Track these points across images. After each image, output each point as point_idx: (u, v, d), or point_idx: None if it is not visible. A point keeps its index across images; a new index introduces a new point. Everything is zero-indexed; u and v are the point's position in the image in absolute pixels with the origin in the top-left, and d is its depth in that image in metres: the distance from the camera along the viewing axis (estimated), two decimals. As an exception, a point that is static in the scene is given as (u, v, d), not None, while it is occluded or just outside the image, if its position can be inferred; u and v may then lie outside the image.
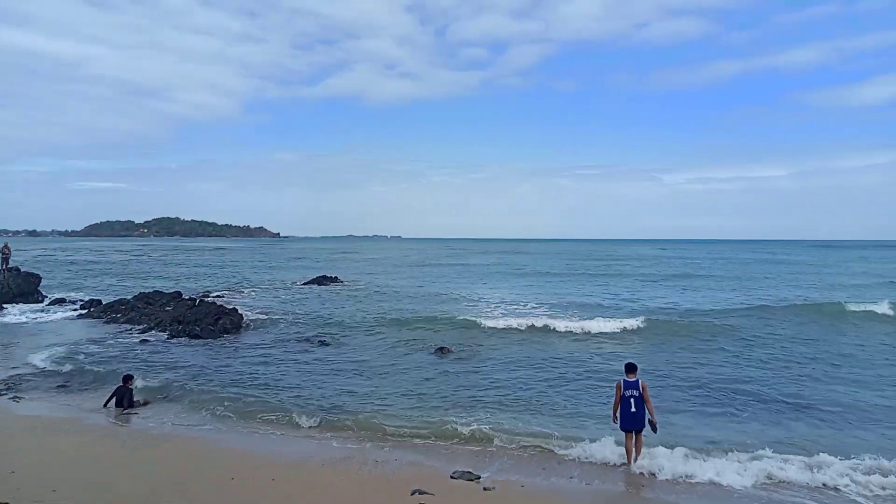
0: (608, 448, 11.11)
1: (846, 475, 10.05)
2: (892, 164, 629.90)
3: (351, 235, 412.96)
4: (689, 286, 44.19)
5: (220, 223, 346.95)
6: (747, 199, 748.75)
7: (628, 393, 10.74)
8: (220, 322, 24.18)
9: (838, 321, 26.36)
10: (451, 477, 10.07)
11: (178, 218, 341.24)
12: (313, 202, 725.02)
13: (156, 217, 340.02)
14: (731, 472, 10.22)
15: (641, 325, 24.20)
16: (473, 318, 25.65)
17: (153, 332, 23.71)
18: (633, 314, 26.92)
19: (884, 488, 9.72)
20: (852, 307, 28.78)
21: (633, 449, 10.68)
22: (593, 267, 68.53)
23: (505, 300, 34.40)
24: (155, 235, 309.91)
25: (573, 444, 11.37)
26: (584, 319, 25.32)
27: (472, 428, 12.31)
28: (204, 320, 24.14)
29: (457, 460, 10.85)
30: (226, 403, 13.95)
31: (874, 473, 10.09)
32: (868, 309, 28.18)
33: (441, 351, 20.28)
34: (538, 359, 19.04)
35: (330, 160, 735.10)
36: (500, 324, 24.80)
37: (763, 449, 11.09)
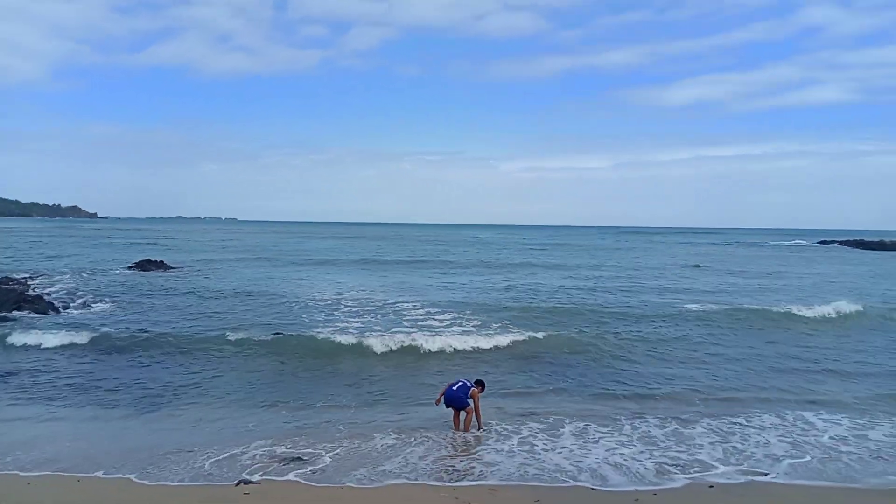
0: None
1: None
2: (695, 160, 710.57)
3: (181, 217, 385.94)
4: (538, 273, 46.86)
5: (24, 201, 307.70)
6: (574, 188, 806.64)
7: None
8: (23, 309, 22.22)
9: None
10: (280, 463, 10.16)
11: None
12: (137, 180, 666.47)
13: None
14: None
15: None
16: (340, 340, 18.92)
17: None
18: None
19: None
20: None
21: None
22: (444, 254, 67.68)
23: (368, 299, 28.19)
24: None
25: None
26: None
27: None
28: (1, 308, 22.03)
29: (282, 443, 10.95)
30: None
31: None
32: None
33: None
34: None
35: (156, 135, 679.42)
36: (382, 345, 18.28)
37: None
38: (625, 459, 10.56)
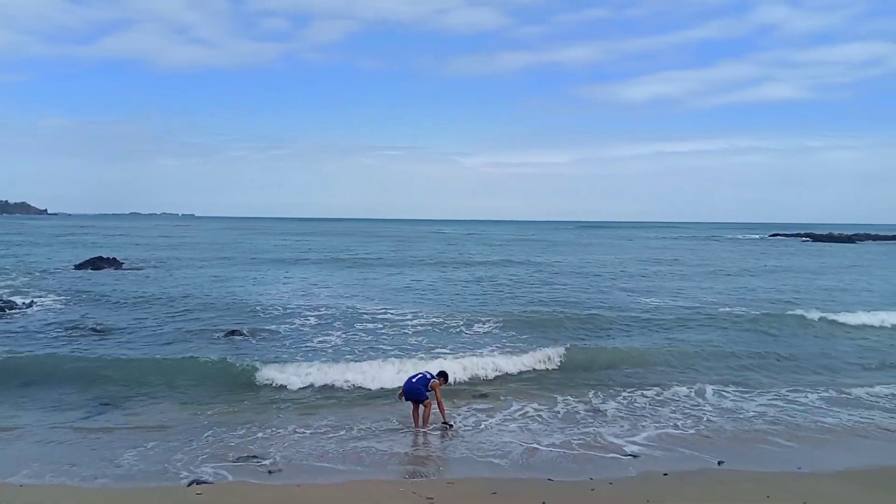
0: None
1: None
2: (654, 155, 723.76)
3: (136, 213, 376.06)
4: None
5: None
6: (536, 184, 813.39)
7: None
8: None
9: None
10: (234, 462, 9.95)
11: None
12: (90, 175, 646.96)
13: None
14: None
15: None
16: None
17: None
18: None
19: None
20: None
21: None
22: (423, 253, 65.15)
23: (323, 305, 24.93)
24: None
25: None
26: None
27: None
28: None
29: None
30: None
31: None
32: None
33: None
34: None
35: (111, 128, 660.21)
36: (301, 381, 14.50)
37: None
38: (584, 450, 10.66)
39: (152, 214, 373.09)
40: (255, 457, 10.12)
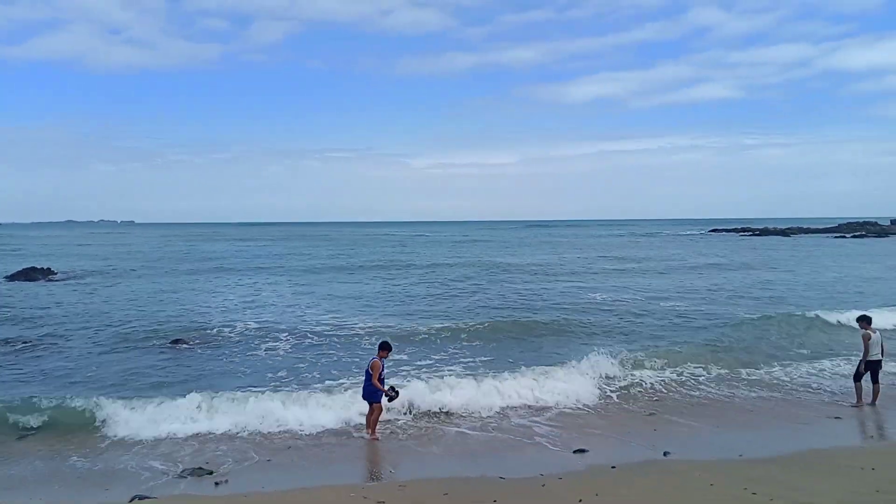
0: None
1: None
2: (597, 154, 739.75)
3: (72, 221, 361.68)
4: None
5: None
6: (483, 184, 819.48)
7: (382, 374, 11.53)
8: None
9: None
10: (179, 476, 9.66)
11: None
12: (21, 182, 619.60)
13: None
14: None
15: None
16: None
17: None
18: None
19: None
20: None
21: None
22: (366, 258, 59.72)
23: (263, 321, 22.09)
24: None
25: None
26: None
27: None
28: None
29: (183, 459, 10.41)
30: None
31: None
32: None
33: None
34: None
35: (42, 133, 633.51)
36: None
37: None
38: (533, 446, 10.78)
39: (89, 222, 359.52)
40: (201, 468, 9.84)
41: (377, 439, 11.33)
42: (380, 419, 11.59)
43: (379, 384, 11.33)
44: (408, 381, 13.90)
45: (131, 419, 11.72)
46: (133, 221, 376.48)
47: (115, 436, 11.37)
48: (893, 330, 20.11)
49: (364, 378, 11.58)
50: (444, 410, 12.81)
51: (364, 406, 11.64)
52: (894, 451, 10.59)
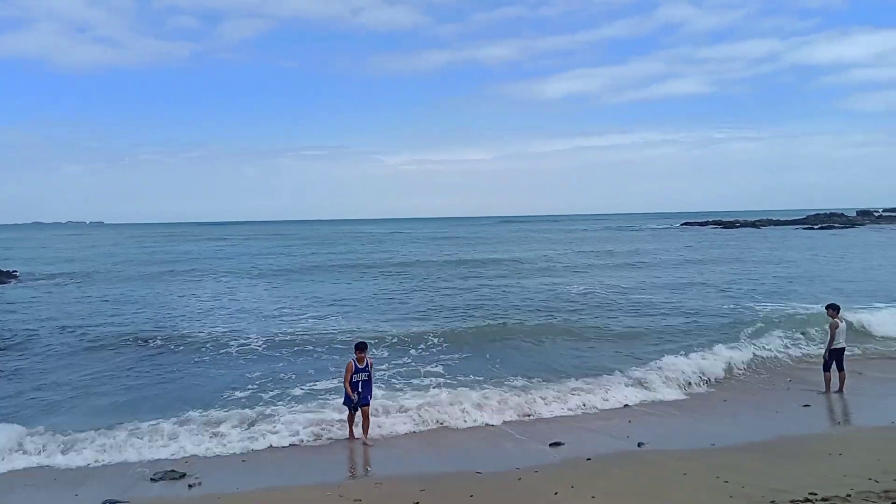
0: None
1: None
2: (572, 150, 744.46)
3: (39, 223, 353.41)
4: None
5: None
6: (459, 181, 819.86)
7: (356, 377, 11.02)
8: None
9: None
10: (152, 479, 9.50)
11: None
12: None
13: None
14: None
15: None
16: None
17: None
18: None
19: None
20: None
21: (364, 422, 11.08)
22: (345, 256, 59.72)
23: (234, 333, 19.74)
24: None
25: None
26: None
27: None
28: None
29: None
30: None
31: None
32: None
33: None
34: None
35: (7, 135, 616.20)
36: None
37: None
38: (509, 441, 10.83)
39: (56, 223, 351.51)
40: (173, 471, 9.69)
41: (368, 444, 10.89)
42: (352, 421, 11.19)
43: (348, 387, 10.96)
44: (380, 386, 13.33)
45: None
46: (102, 222, 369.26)
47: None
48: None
49: (358, 385, 11.06)
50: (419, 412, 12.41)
51: (344, 408, 11.35)
52: (860, 437, 10.84)
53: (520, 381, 14.31)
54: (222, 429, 11.39)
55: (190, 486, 9.23)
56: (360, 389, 11.04)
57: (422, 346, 17.97)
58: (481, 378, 14.56)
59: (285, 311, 25.01)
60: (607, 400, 13.15)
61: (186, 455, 10.42)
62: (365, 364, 11.18)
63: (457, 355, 16.85)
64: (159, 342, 18.83)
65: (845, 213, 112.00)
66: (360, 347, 11.34)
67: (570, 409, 12.65)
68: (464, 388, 13.50)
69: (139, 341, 18.89)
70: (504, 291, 29.35)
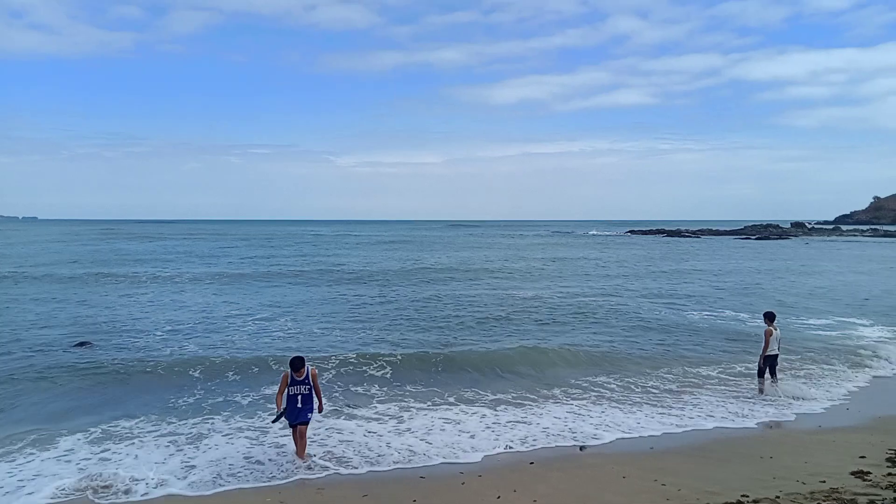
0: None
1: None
2: (521, 156, 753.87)
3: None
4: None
5: None
6: (410, 184, 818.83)
7: (294, 390, 10.06)
8: None
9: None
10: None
11: None
12: None
13: None
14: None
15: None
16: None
17: None
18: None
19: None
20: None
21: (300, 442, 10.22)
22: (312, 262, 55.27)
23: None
24: None
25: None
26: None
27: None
28: None
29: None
30: None
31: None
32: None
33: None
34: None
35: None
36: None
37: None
38: (447, 444, 10.83)
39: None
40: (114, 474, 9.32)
41: (306, 462, 9.98)
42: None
43: (280, 399, 10.04)
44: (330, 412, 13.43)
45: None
46: (36, 217, 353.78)
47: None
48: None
49: (297, 399, 10.06)
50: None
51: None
52: (788, 440, 11.29)
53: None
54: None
55: (125, 491, 8.89)
56: (298, 404, 10.06)
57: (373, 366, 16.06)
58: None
59: (218, 321, 22.29)
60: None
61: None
62: (305, 376, 10.11)
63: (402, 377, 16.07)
64: (79, 358, 16.57)
65: (780, 225, 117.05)
66: (296, 366, 10.04)
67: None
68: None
69: (61, 353, 17.13)
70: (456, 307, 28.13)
